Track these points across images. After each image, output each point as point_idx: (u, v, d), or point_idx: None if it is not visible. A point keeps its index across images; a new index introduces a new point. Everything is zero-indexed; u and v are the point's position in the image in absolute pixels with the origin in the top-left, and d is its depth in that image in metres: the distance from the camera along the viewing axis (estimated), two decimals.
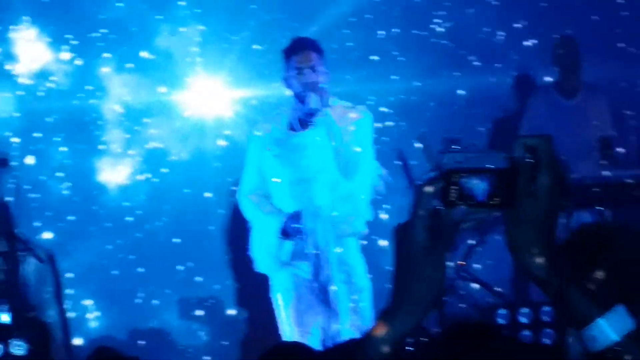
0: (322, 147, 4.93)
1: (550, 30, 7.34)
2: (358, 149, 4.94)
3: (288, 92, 5.16)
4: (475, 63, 7.31)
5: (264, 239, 5.10)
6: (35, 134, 6.87)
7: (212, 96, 6.57)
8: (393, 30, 6.96)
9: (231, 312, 7.33)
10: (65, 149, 6.90)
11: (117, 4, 6.51)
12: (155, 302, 7.29)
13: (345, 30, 6.83)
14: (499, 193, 1.56)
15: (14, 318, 6.36)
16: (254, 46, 6.52)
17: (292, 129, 5.10)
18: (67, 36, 6.60)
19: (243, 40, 6.53)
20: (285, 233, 5.01)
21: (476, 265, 6.86)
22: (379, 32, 6.92)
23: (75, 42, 6.63)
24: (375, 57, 6.95)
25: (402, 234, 1.64)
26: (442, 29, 7.07)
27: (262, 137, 5.15)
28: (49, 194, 7.19)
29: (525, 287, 6.74)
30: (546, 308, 5.58)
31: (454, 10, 7.33)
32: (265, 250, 5.11)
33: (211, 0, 6.58)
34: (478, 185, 1.56)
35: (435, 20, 7.07)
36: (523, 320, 5.64)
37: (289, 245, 5.04)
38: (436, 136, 6.56)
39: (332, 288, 4.90)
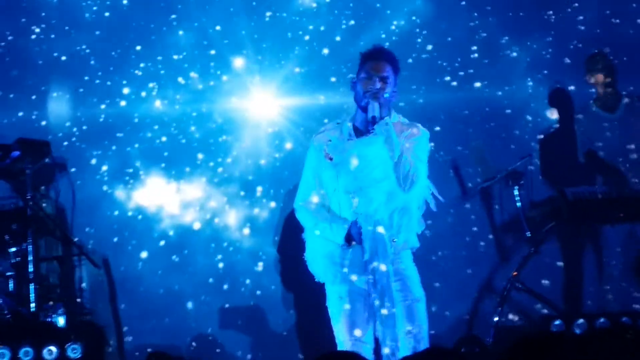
0: (380, 157, 4.91)
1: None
2: (415, 162, 4.94)
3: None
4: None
5: (327, 247, 5.06)
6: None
7: (266, 103, 7.62)
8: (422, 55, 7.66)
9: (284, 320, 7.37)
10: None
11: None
12: (205, 308, 7.34)
13: None
14: None
15: (69, 322, 6.45)
16: (296, 69, 7.61)
17: (351, 137, 5.08)
18: (158, 58, 7.59)
19: (288, 64, 7.64)
20: (349, 241, 4.97)
21: (530, 276, 6.82)
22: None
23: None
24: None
25: None
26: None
27: (321, 145, 5.13)
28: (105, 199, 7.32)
29: (579, 298, 6.69)
30: (601, 319, 5.57)
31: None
32: (328, 259, 5.06)
33: (265, 36, 7.64)
34: None
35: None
36: (577, 331, 5.62)
37: (349, 254, 5.00)
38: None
39: (388, 297, 4.87)
